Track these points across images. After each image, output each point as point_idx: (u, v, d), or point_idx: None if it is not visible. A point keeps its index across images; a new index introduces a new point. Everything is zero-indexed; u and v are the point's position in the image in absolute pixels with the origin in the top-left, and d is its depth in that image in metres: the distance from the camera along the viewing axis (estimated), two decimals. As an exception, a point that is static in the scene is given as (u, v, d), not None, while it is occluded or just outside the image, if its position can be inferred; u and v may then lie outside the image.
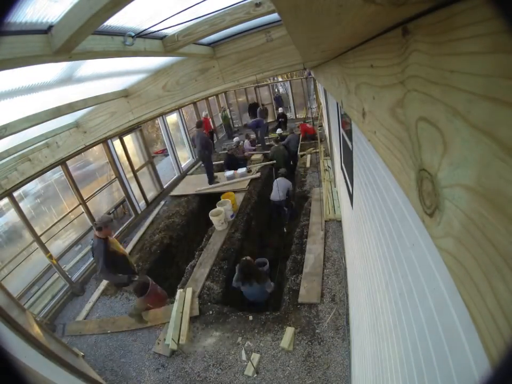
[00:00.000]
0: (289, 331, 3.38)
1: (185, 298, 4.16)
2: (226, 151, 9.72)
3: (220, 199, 6.32)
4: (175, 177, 8.88)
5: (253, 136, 11.27)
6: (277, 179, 6.57)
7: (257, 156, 9.60)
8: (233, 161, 9.19)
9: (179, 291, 4.28)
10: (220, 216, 5.68)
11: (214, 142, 12.00)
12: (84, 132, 4.58)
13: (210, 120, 12.29)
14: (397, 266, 1.09)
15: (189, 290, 4.28)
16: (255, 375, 3.08)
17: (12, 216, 4.81)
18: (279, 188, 6.20)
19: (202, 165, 8.37)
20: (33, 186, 5.70)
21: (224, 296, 4.45)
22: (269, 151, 9.17)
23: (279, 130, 10.70)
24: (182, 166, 9.34)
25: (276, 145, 8.40)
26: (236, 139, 10.17)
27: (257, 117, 11.79)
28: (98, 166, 6.84)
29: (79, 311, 4.49)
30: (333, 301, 3.70)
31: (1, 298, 2.95)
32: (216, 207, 6.01)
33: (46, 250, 4.61)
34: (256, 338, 3.49)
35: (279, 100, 14.61)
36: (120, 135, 6.41)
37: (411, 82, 0.47)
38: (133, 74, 3.67)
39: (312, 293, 3.87)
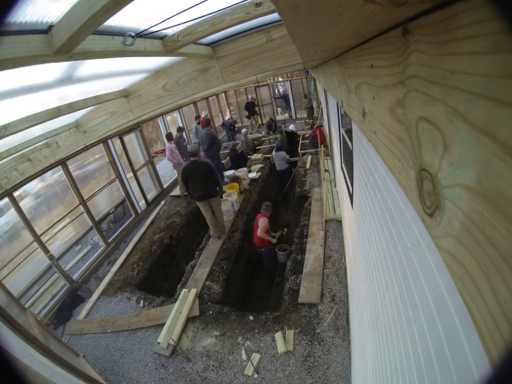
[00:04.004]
0: (279, 336, 3.38)
1: (187, 299, 4.16)
2: (232, 147, 9.97)
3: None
4: (175, 177, 8.88)
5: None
6: (273, 154, 8.36)
7: (257, 156, 9.61)
8: (238, 158, 9.57)
9: (184, 290, 4.28)
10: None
11: None
12: (84, 132, 4.58)
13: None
14: (397, 266, 1.09)
15: (193, 291, 4.28)
16: (255, 375, 3.08)
17: (12, 216, 4.81)
18: (278, 160, 8.15)
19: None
20: (33, 186, 5.69)
21: (224, 296, 4.45)
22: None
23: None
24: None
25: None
26: (243, 130, 10.78)
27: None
28: (98, 166, 6.84)
29: (79, 311, 4.50)
30: (333, 301, 3.70)
31: (2, 297, 2.96)
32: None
33: (46, 250, 4.61)
34: (256, 338, 3.49)
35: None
36: (120, 135, 6.41)
37: (411, 82, 0.47)
38: (133, 74, 3.68)
39: (312, 293, 3.87)
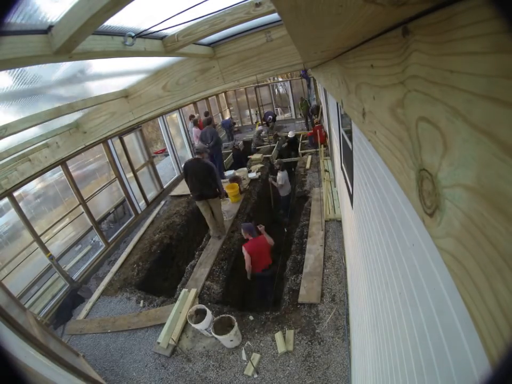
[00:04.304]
0: (279, 336, 3.37)
1: (187, 299, 4.16)
2: (233, 147, 10.16)
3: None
4: (175, 177, 8.88)
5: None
6: (278, 175, 6.91)
7: (257, 156, 9.61)
8: (240, 157, 9.89)
9: (184, 290, 4.28)
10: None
11: None
12: (84, 132, 4.58)
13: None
14: (397, 266, 1.09)
15: (193, 291, 4.28)
16: (255, 375, 3.08)
17: (12, 216, 4.81)
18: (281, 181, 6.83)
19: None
20: (33, 186, 5.69)
21: (224, 296, 4.45)
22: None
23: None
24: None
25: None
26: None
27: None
28: (98, 166, 6.84)
29: (79, 311, 4.50)
30: (333, 301, 3.70)
31: (2, 297, 2.96)
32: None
33: (46, 250, 4.62)
34: (256, 338, 3.49)
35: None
36: (120, 135, 6.41)
37: (411, 82, 0.47)
38: (133, 75, 3.67)
39: (312, 293, 3.87)
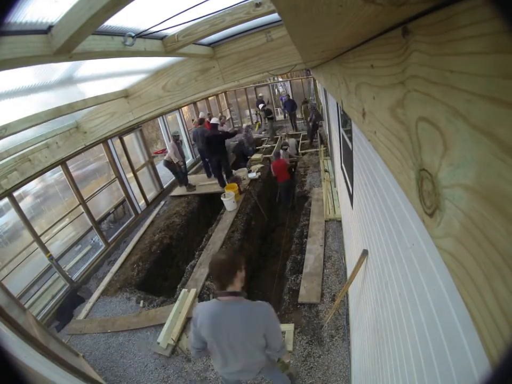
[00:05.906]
0: (289, 332, 3.38)
1: (187, 299, 4.16)
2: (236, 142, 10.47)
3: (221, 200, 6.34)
4: (174, 178, 8.87)
5: None
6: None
7: (257, 156, 9.61)
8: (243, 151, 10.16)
9: (183, 290, 4.28)
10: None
11: None
12: (84, 132, 4.58)
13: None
14: (397, 266, 1.09)
15: (193, 291, 4.28)
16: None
17: (12, 216, 4.81)
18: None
19: (203, 162, 8.82)
20: (33, 186, 5.69)
21: (224, 296, 4.44)
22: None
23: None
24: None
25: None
26: (244, 125, 11.37)
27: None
28: (98, 166, 6.84)
29: (79, 311, 4.50)
30: (333, 301, 3.70)
31: (2, 298, 2.96)
32: (216, 208, 6.02)
33: (46, 250, 4.61)
34: (256, 338, 3.48)
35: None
36: (120, 135, 6.41)
37: (411, 82, 0.47)
38: (133, 75, 3.67)
39: (312, 293, 3.87)
